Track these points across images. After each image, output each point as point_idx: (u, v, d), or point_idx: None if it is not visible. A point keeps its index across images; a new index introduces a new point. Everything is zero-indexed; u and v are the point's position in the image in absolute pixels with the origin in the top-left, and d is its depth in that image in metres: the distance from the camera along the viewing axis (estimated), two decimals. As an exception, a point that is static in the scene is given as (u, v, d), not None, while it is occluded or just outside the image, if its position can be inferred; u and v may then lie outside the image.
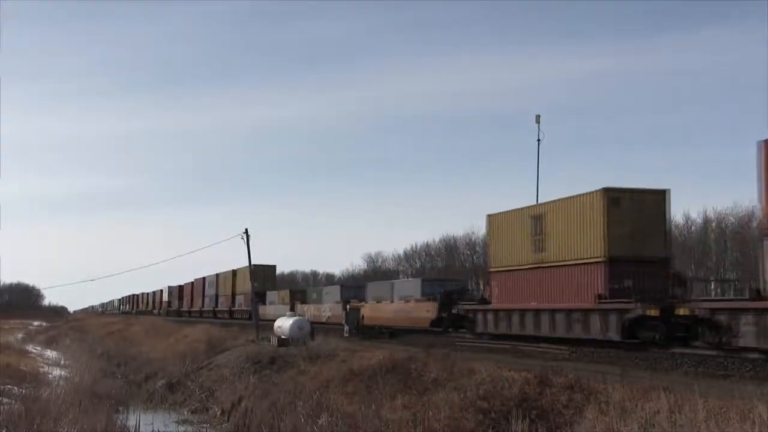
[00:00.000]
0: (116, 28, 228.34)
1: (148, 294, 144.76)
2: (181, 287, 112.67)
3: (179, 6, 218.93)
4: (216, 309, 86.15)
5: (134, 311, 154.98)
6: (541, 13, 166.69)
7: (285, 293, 68.04)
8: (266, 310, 64.38)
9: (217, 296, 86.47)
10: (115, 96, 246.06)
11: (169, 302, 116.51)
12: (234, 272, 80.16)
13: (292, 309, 53.48)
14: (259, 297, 63.62)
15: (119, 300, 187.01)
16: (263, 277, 71.56)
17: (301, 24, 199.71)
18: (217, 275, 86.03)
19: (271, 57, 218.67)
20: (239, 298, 77.65)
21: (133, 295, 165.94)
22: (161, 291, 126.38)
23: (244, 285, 69.85)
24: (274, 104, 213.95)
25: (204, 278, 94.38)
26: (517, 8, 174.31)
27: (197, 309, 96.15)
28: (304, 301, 61.38)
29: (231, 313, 78.50)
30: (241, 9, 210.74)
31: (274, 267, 77.47)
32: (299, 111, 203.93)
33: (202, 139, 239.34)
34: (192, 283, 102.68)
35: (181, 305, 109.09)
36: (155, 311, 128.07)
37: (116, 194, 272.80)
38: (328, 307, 55.17)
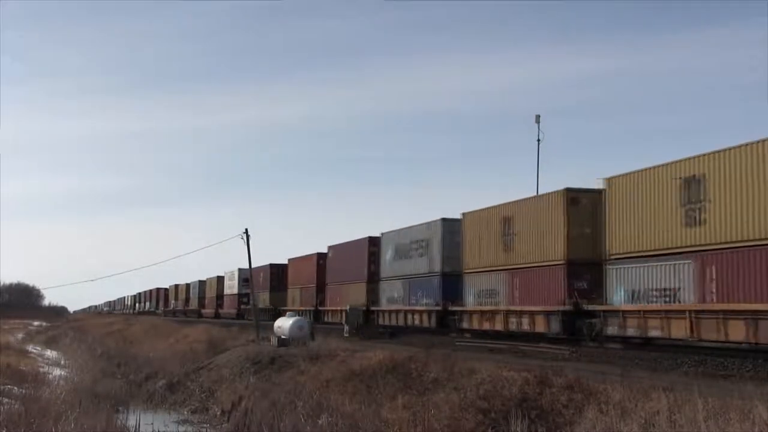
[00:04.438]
0: (116, 27, 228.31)
1: (186, 286, 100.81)
2: (279, 269, 65.99)
3: (180, 4, 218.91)
4: (410, 307, 41.09)
5: (161, 311, 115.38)
6: (541, 13, 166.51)
7: None
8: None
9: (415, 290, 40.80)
10: (115, 95, 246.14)
11: (241, 297, 70.99)
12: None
13: None
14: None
15: (134, 297, 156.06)
16: (582, 215, 29.20)
17: (302, 23, 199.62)
18: (408, 229, 41.96)
19: (272, 56, 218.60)
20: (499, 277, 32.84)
21: (158, 289, 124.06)
22: (218, 280, 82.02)
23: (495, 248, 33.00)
24: (275, 103, 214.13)
25: (353, 243, 49.81)
26: (517, 8, 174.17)
27: (336, 307, 50.33)
28: None
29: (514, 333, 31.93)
30: (243, 8, 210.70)
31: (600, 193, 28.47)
32: (300, 110, 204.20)
33: (203, 138, 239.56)
34: (314, 256, 55.15)
35: (279, 301, 63.63)
36: (206, 311, 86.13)
37: (116, 194, 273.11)
38: None
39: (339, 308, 49.51)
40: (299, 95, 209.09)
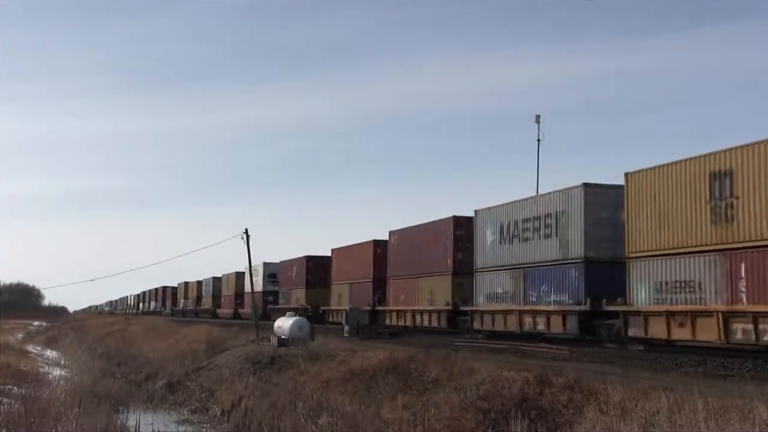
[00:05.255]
0: (117, 27, 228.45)
1: (198, 284, 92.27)
2: (318, 261, 55.90)
3: (179, 4, 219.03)
4: (529, 307, 31.19)
5: (169, 311, 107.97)
6: (541, 13, 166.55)
7: None
8: None
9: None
10: (115, 96, 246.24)
11: (267, 295, 61.77)
12: None
13: None
14: None
15: (137, 296, 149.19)
16: None
17: (302, 23, 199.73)
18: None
19: (272, 56, 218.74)
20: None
21: (165, 288, 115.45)
22: (237, 276, 71.05)
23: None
24: (275, 103, 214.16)
25: (429, 225, 40.31)
26: (518, 8, 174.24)
27: (403, 307, 41.79)
28: None
29: None
30: (243, 8, 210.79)
31: None
32: (300, 110, 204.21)
33: (203, 138, 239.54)
34: (370, 244, 46.56)
35: (320, 299, 53.99)
36: (223, 311, 77.59)
37: (117, 194, 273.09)
38: None
39: (408, 308, 40.37)
40: (299, 95, 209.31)
